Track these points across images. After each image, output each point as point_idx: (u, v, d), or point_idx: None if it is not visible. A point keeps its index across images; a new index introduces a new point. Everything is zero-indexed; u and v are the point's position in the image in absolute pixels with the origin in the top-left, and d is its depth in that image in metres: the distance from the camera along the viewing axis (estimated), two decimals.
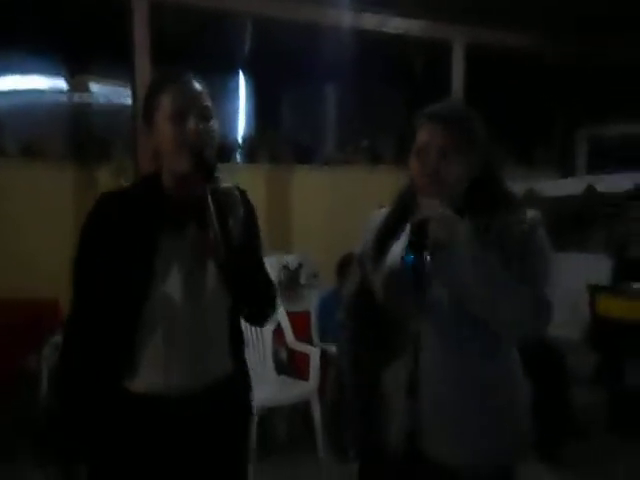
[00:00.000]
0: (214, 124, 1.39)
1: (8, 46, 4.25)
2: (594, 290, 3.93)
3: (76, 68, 4.70)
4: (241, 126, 5.46)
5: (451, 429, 1.41)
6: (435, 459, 1.41)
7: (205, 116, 1.37)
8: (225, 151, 5.18)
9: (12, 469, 3.06)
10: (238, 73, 5.44)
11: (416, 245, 1.31)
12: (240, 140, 5.37)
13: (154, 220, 1.38)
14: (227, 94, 5.37)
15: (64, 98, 4.74)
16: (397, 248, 1.46)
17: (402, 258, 1.34)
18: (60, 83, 4.75)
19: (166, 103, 1.36)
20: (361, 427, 1.57)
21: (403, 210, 1.49)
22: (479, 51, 4.64)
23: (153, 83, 1.46)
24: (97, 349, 1.36)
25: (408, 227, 1.39)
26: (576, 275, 4.00)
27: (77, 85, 4.72)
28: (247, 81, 5.49)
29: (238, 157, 5.35)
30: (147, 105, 1.42)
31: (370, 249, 1.54)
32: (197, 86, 1.39)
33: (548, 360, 3.29)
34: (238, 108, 5.45)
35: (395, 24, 4.47)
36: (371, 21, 4.40)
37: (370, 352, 1.54)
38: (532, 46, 4.78)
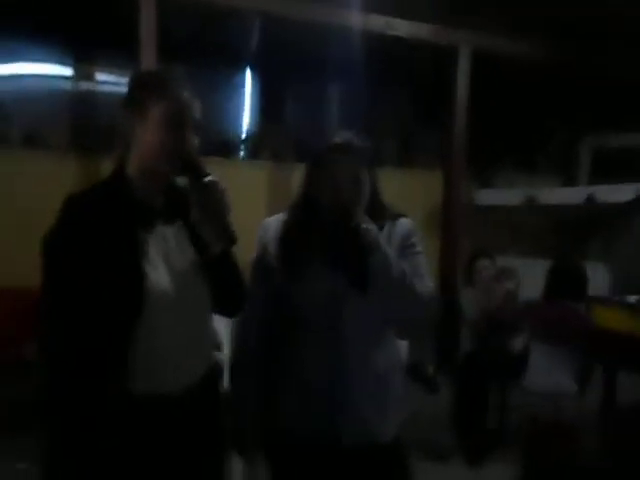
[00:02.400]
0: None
1: (14, 32, 4.22)
2: (590, 301, 3.90)
3: (82, 56, 4.68)
4: (245, 122, 5.45)
5: (367, 410, 1.59)
6: (351, 441, 1.57)
7: (195, 127, 1.41)
8: (228, 146, 5.18)
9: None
10: (244, 69, 5.43)
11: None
12: (244, 136, 5.37)
13: (129, 219, 1.37)
14: (232, 89, 5.37)
15: (68, 86, 4.72)
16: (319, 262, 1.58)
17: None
18: (65, 71, 4.71)
19: (161, 108, 1.37)
20: (270, 416, 1.66)
21: (306, 222, 1.63)
22: (485, 57, 4.63)
23: (148, 79, 1.46)
24: (87, 353, 1.30)
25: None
26: None
27: (82, 73, 4.70)
28: (253, 77, 5.48)
29: (241, 153, 5.35)
30: (138, 99, 1.40)
31: (279, 260, 1.63)
32: (191, 95, 1.42)
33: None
34: (243, 104, 5.45)
35: (402, 27, 4.45)
36: (378, 23, 4.38)
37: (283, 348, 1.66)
38: (536, 53, 4.76)
